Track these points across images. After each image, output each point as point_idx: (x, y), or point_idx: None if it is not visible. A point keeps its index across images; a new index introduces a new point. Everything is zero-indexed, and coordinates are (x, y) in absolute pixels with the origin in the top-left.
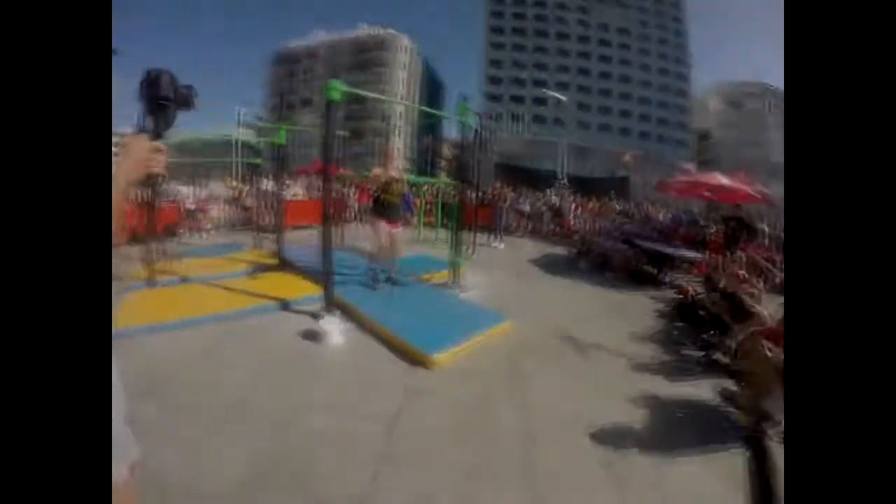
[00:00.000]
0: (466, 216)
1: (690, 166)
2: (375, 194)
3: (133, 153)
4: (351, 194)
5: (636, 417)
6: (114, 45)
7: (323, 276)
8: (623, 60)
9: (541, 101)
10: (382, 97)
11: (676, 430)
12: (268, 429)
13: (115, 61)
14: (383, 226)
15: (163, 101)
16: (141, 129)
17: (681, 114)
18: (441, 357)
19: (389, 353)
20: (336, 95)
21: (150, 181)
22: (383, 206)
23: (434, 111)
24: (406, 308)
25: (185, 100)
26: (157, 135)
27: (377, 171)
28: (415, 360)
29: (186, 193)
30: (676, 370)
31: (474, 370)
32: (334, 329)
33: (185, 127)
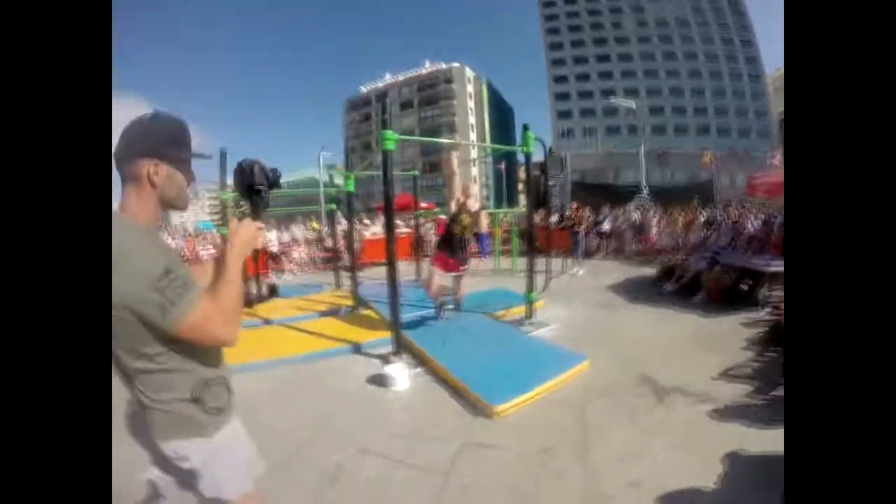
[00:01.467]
0: (542, 243)
1: (776, 157)
2: (447, 225)
3: (242, 236)
4: (431, 229)
5: (715, 476)
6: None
7: (392, 320)
8: (688, 54)
9: (611, 111)
10: (435, 140)
11: (759, 490)
12: (319, 474)
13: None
14: (437, 268)
15: (258, 188)
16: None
17: (758, 100)
18: (503, 407)
19: (454, 401)
20: (390, 145)
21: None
22: (446, 240)
23: (498, 146)
24: (475, 351)
25: (274, 181)
26: (256, 215)
27: (453, 201)
28: (478, 409)
29: (270, 238)
30: (766, 414)
31: (540, 420)
32: (400, 374)
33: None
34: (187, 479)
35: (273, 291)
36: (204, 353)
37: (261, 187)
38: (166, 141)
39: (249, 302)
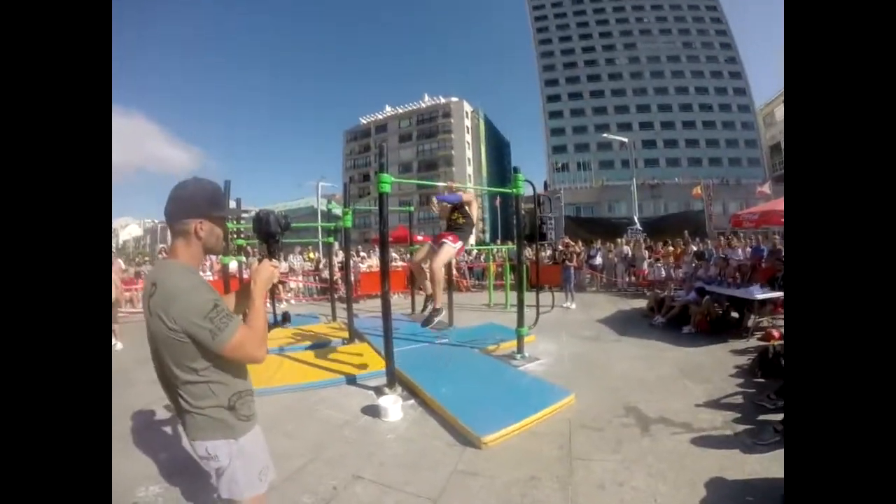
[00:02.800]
0: (535, 277)
1: (765, 187)
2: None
3: (263, 275)
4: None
5: (696, 502)
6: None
7: (386, 353)
8: (679, 88)
9: (605, 145)
10: (430, 182)
11: None
12: (315, 498)
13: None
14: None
15: (272, 234)
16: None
17: (748, 130)
18: (491, 438)
19: (444, 432)
20: (387, 188)
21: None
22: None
23: (490, 188)
24: (466, 384)
25: (286, 226)
26: (272, 256)
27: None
28: (467, 439)
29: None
30: (749, 442)
31: (526, 451)
32: (393, 406)
33: (275, 201)
34: (201, 484)
35: (286, 318)
36: (237, 369)
37: (276, 233)
38: (208, 203)
39: (269, 327)
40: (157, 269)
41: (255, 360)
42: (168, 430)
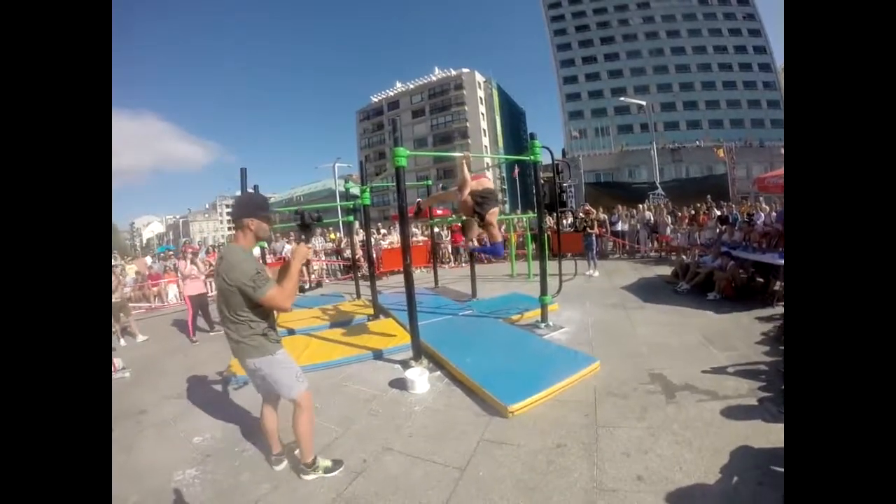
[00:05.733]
0: (556, 246)
1: None
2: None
3: (300, 253)
4: (444, 236)
5: (719, 473)
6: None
7: (410, 327)
8: (697, 48)
9: (623, 109)
10: (446, 153)
11: (763, 488)
12: (346, 470)
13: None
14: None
15: (307, 225)
16: (300, 239)
17: (770, 91)
18: (517, 407)
19: (471, 402)
20: (403, 161)
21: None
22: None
23: (507, 157)
24: (491, 355)
25: (318, 219)
26: (307, 241)
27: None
28: (493, 409)
29: (290, 249)
30: (774, 410)
31: (552, 420)
32: (420, 378)
33: (293, 185)
34: (265, 385)
35: (301, 289)
36: (268, 317)
37: (311, 224)
38: (257, 207)
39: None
40: (226, 248)
41: (282, 308)
42: (199, 415)
